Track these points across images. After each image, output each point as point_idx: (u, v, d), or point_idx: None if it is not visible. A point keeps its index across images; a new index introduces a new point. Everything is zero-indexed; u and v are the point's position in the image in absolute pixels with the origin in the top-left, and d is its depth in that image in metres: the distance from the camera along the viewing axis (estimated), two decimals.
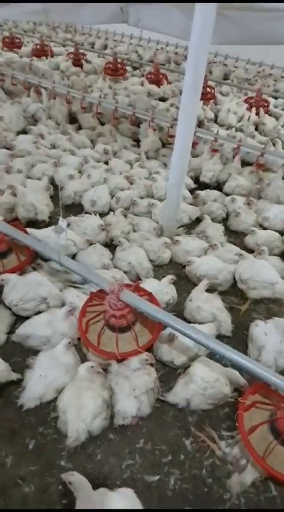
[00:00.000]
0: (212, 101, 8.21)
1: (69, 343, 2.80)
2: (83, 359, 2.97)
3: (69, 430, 2.45)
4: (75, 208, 4.84)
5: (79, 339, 3.02)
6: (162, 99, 8.37)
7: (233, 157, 5.65)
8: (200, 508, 2.39)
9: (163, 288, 3.46)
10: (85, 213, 4.58)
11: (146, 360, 2.74)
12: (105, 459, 2.55)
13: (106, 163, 5.56)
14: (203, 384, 2.74)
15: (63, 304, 3.33)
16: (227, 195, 5.24)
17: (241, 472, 2.47)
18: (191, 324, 2.99)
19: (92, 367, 2.60)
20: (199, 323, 3.28)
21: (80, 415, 2.47)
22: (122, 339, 2.83)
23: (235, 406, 2.57)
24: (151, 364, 2.79)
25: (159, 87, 8.85)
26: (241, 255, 3.87)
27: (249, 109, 7.85)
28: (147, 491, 2.42)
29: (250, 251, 4.14)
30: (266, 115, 7.65)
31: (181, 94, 3.44)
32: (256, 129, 7.35)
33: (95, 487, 2.10)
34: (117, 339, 2.76)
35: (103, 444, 2.62)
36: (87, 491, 1.91)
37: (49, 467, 2.47)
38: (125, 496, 2.00)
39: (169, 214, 4.24)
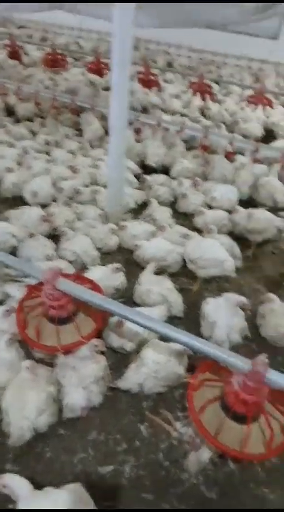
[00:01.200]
0: (156, 88, 8.16)
1: (11, 339, 2.63)
2: (29, 355, 2.80)
3: (11, 429, 2.30)
4: (16, 201, 4.60)
5: None
6: (107, 89, 8.20)
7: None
8: (157, 491, 2.31)
9: (110, 275, 3.35)
10: (24, 204, 4.37)
11: (96, 346, 2.61)
12: (55, 456, 2.41)
13: (48, 154, 5.35)
14: (154, 366, 2.67)
15: (3, 298, 3.14)
16: (174, 179, 5.19)
17: (197, 450, 2.42)
18: (137, 308, 2.90)
19: (27, 368, 2.43)
20: (150, 306, 3.20)
21: (23, 412, 2.31)
22: (65, 331, 2.67)
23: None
24: (102, 352, 2.67)
25: (102, 76, 8.66)
26: (187, 235, 3.82)
27: (193, 94, 7.87)
28: (101, 483, 2.31)
29: (200, 231, 4.11)
30: (210, 100, 7.70)
31: None
32: (203, 114, 7.38)
33: (44, 486, 1.96)
34: (58, 331, 2.60)
35: (53, 441, 2.47)
36: (26, 491, 1.76)
37: None
38: (72, 491, 1.87)
39: (113, 199, 4.12)
